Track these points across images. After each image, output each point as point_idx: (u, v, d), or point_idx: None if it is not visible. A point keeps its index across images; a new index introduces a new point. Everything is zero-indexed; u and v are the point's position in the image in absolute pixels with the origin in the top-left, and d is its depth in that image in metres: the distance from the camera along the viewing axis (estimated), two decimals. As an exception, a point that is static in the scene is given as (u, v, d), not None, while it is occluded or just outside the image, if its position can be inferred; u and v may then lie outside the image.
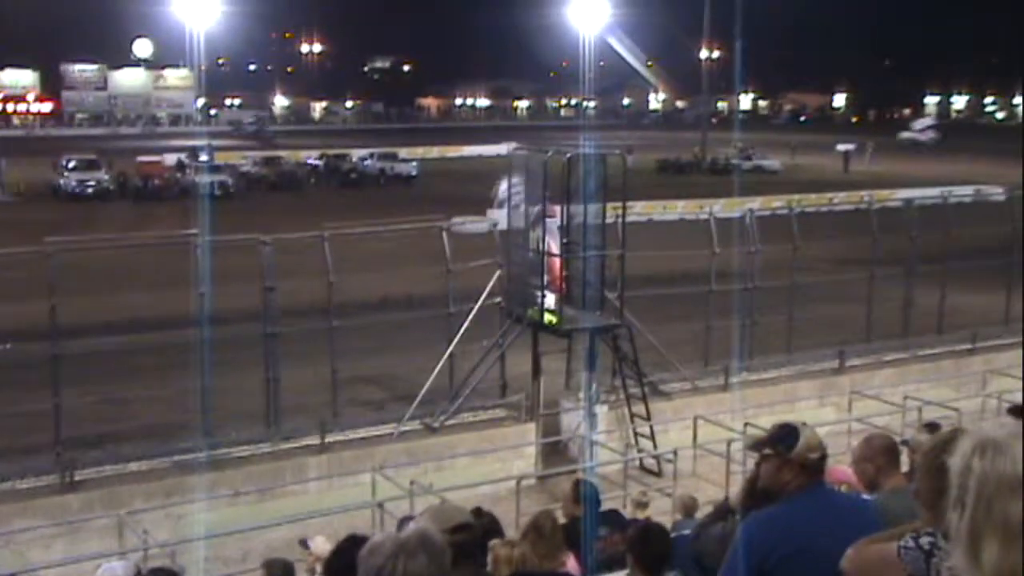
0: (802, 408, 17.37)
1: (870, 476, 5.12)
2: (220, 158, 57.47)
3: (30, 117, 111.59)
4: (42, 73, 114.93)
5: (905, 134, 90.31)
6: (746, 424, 15.67)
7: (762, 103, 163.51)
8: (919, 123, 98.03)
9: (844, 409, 17.79)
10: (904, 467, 5.49)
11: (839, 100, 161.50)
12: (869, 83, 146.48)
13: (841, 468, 6.52)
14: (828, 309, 20.75)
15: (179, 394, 15.16)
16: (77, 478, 13.36)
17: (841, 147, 68.88)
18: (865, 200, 28.24)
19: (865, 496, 4.94)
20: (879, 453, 5.19)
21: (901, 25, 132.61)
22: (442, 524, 3.62)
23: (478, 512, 6.25)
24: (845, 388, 18.33)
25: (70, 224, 34.23)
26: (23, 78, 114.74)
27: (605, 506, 8.70)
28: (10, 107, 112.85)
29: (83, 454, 13.94)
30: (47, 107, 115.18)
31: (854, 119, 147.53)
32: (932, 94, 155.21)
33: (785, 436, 4.22)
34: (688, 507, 10.23)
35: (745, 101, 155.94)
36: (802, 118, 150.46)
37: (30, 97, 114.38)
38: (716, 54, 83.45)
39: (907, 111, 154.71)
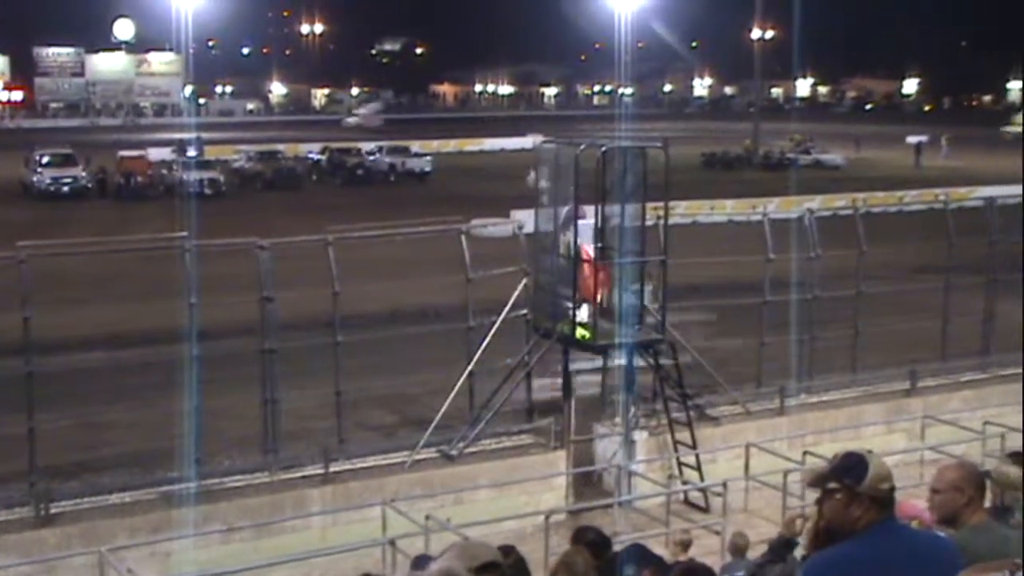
0: (869, 435, 17.32)
1: (955, 507, 5.05)
2: (210, 152, 57.93)
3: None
4: (12, 58, 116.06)
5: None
6: (805, 453, 15.68)
7: (822, 89, 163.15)
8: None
9: (916, 436, 17.75)
10: (987, 502, 5.47)
11: (909, 86, 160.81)
12: (944, 66, 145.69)
13: (911, 502, 6.52)
14: (898, 323, 20.66)
15: (166, 417, 15.19)
16: (53, 511, 13.43)
17: (912, 139, 68.76)
18: (940, 199, 28.13)
19: (940, 533, 4.92)
20: (971, 483, 5.10)
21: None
22: (468, 562, 3.65)
23: (505, 550, 6.29)
24: (917, 412, 18.25)
25: (44, 226, 34.59)
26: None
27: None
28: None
29: (60, 484, 14.04)
30: (17, 95, 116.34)
31: (927, 107, 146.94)
32: (1016, 78, 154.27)
33: (852, 466, 4.18)
34: (739, 547, 10.31)
35: (803, 87, 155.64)
36: (867, 106, 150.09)
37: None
38: (769, 34, 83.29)
39: (987, 98, 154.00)
